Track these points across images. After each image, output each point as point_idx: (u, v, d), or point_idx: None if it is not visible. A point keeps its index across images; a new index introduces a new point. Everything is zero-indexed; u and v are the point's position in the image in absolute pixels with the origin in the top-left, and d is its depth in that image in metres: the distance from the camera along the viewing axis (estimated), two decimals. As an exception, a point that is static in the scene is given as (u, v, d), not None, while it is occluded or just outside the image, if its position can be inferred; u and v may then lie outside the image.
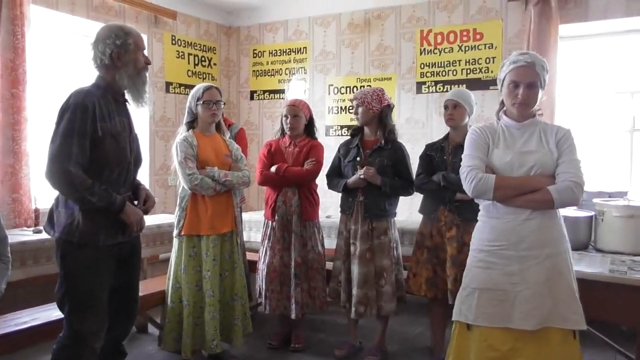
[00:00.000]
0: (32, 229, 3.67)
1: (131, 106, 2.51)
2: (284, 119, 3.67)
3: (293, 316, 3.57)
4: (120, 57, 2.37)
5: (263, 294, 3.66)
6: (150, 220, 4.15)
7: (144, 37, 5.07)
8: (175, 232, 3.38)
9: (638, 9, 4.31)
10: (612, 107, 4.84)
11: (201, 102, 3.31)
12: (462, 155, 2.40)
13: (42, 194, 3.94)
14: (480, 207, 2.40)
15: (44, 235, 3.24)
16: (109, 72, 2.39)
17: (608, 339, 3.44)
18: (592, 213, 3.24)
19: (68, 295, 2.33)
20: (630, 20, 4.41)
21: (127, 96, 2.47)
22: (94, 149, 2.28)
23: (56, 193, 2.38)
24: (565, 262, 2.26)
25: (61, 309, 2.38)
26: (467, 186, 2.30)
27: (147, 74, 2.51)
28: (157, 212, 4.70)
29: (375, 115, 3.47)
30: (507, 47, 4.80)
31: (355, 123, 3.77)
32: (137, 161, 2.56)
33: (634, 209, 3.05)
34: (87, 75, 2.44)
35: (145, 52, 2.51)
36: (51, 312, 2.96)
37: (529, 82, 2.26)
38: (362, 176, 3.37)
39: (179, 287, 3.36)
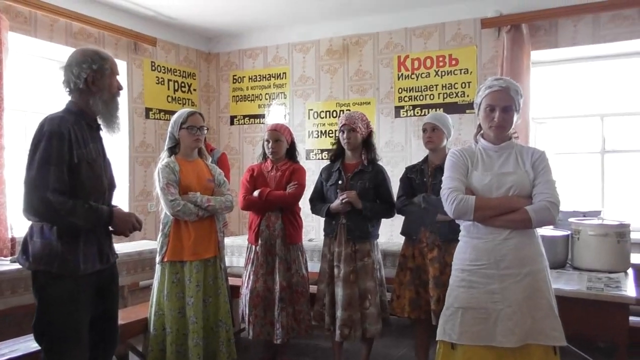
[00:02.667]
0: (8, 258, 3.59)
1: (104, 132, 2.47)
2: (265, 143, 3.71)
3: (278, 341, 3.55)
4: (96, 82, 2.34)
5: (246, 319, 3.64)
6: (130, 247, 4.12)
7: (123, 63, 5.15)
8: (157, 259, 3.35)
9: (604, 36, 4.50)
10: (583, 129, 5.00)
11: (185, 127, 3.32)
12: (443, 178, 2.46)
13: (18, 222, 3.88)
14: (462, 228, 2.46)
15: (20, 265, 3.18)
16: (82, 96, 2.35)
17: (587, 355, 3.49)
18: (569, 232, 3.33)
19: (46, 329, 2.25)
20: (598, 47, 4.60)
21: (100, 122, 2.42)
22: (70, 176, 2.24)
23: (29, 223, 2.30)
24: (544, 280, 2.32)
25: (39, 342, 2.29)
26: (448, 207, 2.35)
27: (119, 100, 2.47)
28: (137, 238, 4.66)
29: (363, 139, 3.55)
30: (481, 72, 4.94)
31: (332, 147, 3.83)
32: (111, 187, 2.52)
33: (607, 228, 3.14)
34: (65, 101, 2.41)
35: (123, 79, 2.50)
36: (30, 344, 2.90)
37: (504, 106, 2.35)
38: (344, 200, 3.41)
39: (161, 314, 3.32)
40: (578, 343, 3.36)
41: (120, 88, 2.47)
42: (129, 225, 2.44)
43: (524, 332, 2.24)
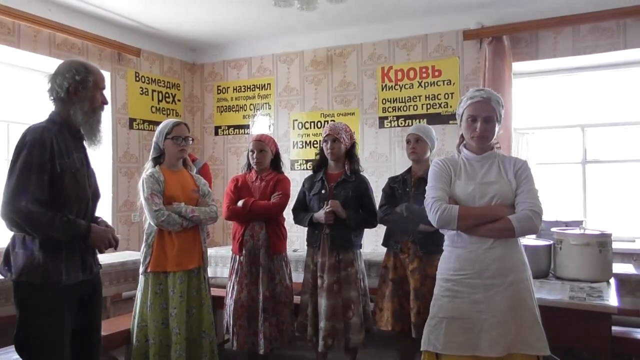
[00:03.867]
0: (-10, 269, 3.54)
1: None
2: (250, 153, 3.70)
3: (261, 352, 3.53)
4: (77, 93, 2.33)
5: (230, 329, 3.61)
6: (113, 257, 4.07)
7: (107, 74, 5.12)
8: (141, 269, 3.32)
9: (584, 48, 4.59)
10: (564, 140, 5.07)
11: (170, 137, 3.30)
12: (426, 187, 2.47)
13: (0, 233, 3.82)
14: (445, 237, 2.47)
15: (2, 276, 3.14)
16: (64, 106, 2.34)
17: (570, 364, 3.52)
18: (551, 242, 3.35)
19: (29, 340, 2.23)
20: (578, 58, 4.69)
21: (82, 133, 2.41)
22: (52, 186, 2.22)
23: (12, 233, 2.29)
24: (527, 290, 2.33)
25: (21, 354, 2.27)
26: (432, 216, 2.37)
27: (102, 115, 2.45)
28: (121, 249, 4.61)
29: (346, 150, 3.56)
30: (464, 83, 5.00)
31: (315, 156, 3.84)
32: (96, 197, 2.50)
33: (589, 238, 3.17)
34: (48, 112, 2.40)
35: (107, 91, 2.48)
36: (11, 355, 2.84)
37: (485, 116, 2.37)
38: (328, 209, 3.41)
39: (144, 325, 3.28)
40: (562, 353, 3.37)
41: (104, 102, 2.45)
42: (105, 242, 2.41)
43: (508, 342, 2.24)
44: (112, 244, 2.44)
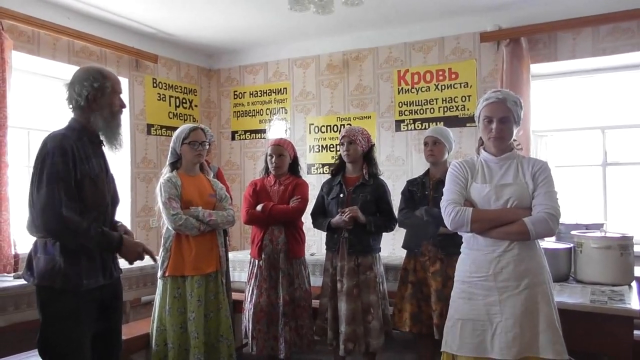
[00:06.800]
0: (12, 274, 3.60)
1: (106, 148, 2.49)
2: (268, 158, 3.71)
3: (282, 356, 3.53)
4: (96, 100, 2.36)
5: (250, 334, 3.62)
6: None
7: (125, 80, 5.18)
8: (159, 274, 3.35)
9: (603, 49, 4.52)
10: (584, 142, 5.01)
11: (187, 142, 3.33)
12: (443, 190, 2.46)
13: (21, 239, 3.89)
14: (463, 240, 2.46)
15: (25, 281, 3.19)
16: (83, 114, 2.37)
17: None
18: (571, 245, 3.31)
19: (50, 344, 2.26)
20: (597, 59, 4.62)
21: (102, 138, 2.44)
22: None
23: (34, 239, 2.33)
24: (544, 293, 2.30)
25: (43, 358, 2.30)
26: (446, 219, 2.37)
27: (121, 118, 2.49)
28: (139, 254, 4.64)
29: (363, 153, 3.56)
30: (481, 85, 4.96)
31: (334, 161, 3.84)
32: (115, 202, 2.53)
33: (610, 240, 3.13)
34: (68, 119, 2.43)
35: (122, 96, 2.50)
36: (34, 359, 2.88)
37: (501, 117, 2.36)
38: (346, 218, 3.40)
39: (163, 329, 3.31)
40: (582, 357, 3.33)
41: (123, 106, 2.48)
42: (135, 255, 2.46)
43: (523, 345, 2.23)
44: (142, 257, 2.48)
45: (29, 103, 4.64)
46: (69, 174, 2.23)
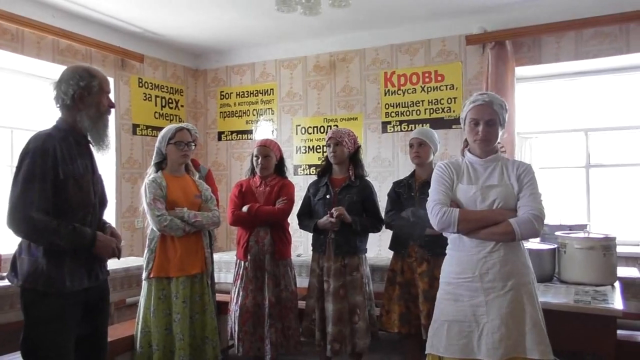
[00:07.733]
0: (-5, 275, 3.55)
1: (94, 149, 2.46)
2: (254, 159, 3.71)
3: (268, 358, 3.52)
4: (83, 99, 2.33)
5: (236, 335, 3.61)
6: (117, 263, 4.06)
7: (111, 80, 5.13)
8: (144, 275, 3.32)
9: (587, 52, 4.59)
10: (568, 144, 5.07)
11: (173, 142, 3.31)
12: (429, 191, 2.48)
13: (4, 239, 3.83)
14: (448, 241, 2.47)
15: (8, 282, 3.14)
16: (70, 113, 2.34)
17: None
18: (555, 246, 3.35)
19: (33, 346, 2.24)
20: (581, 62, 4.68)
21: (89, 139, 2.41)
22: (56, 193, 2.22)
23: (19, 239, 2.30)
24: (529, 293, 2.32)
25: None
26: (433, 220, 2.37)
27: (109, 118, 2.45)
28: (125, 255, 4.60)
29: (350, 154, 3.57)
30: (467, 88, 5.00)
31: (320, 162, 3.84)
32: (102, 203, 2.51)
33: (593, 241, 3.16)
34: (52, 118, 2.40)
35: (111, 96, 2.47)
36: (17, 361, 2.85)
37: (487, 120, 2.38)
38: (335, 216, 3.41)
39: (148, 331, 3.28)
40: (566, 356, 3.36)
41: (111, 106, 2.45)
42: (109, 250, 2.41)
43: (509, 346, 2.23)
44: (115, 253, 2.44)
45: (12, 102, 4.58)
46: (46, 175, 2.19)
